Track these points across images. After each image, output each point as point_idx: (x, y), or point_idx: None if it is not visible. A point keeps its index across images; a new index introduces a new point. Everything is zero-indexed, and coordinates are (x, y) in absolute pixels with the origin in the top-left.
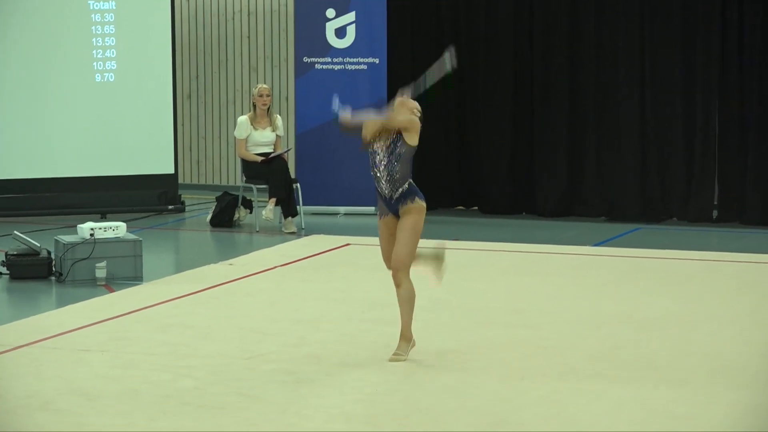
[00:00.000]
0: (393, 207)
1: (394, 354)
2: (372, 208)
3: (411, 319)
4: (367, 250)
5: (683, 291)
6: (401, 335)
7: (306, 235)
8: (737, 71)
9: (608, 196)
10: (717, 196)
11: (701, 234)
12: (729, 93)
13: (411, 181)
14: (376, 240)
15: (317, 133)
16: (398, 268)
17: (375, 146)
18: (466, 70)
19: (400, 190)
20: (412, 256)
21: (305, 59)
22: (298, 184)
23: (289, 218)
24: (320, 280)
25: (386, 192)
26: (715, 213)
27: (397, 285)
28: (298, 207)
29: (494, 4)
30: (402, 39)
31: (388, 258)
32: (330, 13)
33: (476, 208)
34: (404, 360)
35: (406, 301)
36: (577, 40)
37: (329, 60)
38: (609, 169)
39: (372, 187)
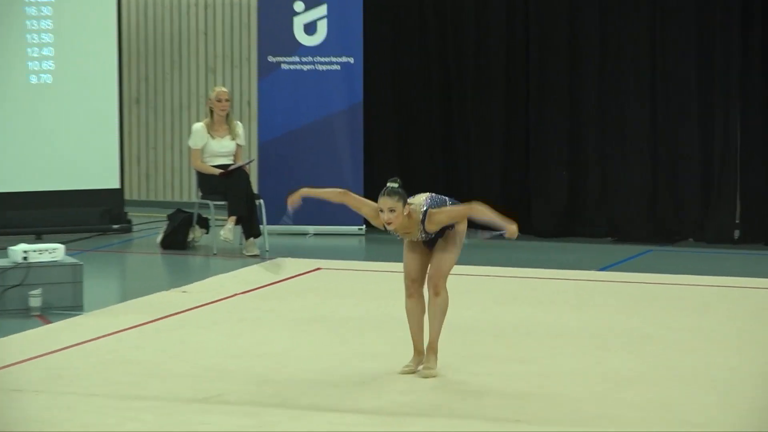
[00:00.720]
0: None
1: (423, 368)
2: (345, 227)
3: (440, 331)
4: (340, 275)
5: (702, 321)
6: (429, 348)
7: (270, 258)
8: (761, 73)
9: (614, 215)
10: (739, 214)
11: (721, 257)
12: (752, 98)
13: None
14: (349, 263)
15: (283, 142)
16: (439, 275)
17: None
18: (454, 75)
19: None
20: (453, 264)
21: (270, 58)
22: (262, 201)
23: (251, 239)
24: (287, 309)
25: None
26: (736, 233)
27: (436, 294)
28: (261, 226)
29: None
30: (380, 35)
31: (408, 266)
32: (298, 6)
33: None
34: (435, 376)
35: (442, 312)
36: (578, 39)
37: (297, 59)
38: (614, 183)
39: (343, 205)
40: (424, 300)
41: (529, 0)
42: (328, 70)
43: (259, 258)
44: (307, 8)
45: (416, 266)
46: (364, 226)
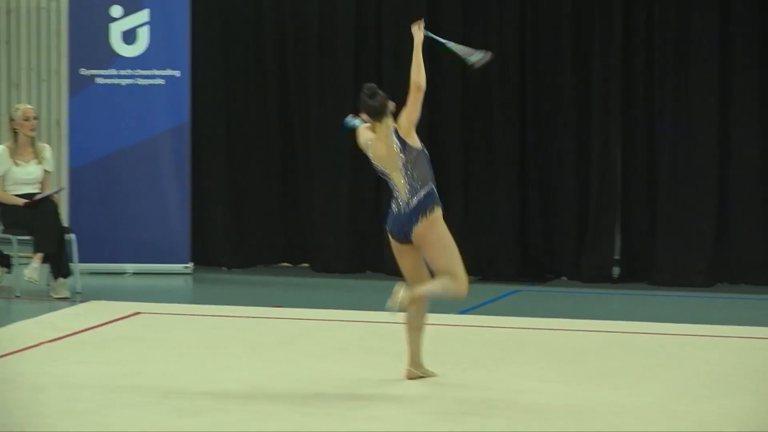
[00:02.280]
0: (407, 225)
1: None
2: (169, 266)
3: (432, 290)
4: (163, 319)
5: (575, 372)
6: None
7: (82, 301)
8: (643, 105)
9: (479, 251)
10: (619, 251)
11: (598, 297)
12: (632, 120)
13: (433, 186)
14: (173, 307)
15: (98, 168)
16: (456, 276)
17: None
18: (294, 87)
19: (422, 192)
20: (458, 260)
21: (82, 71)
22: (72, 235)
23: (60, 279)
24: (102, 360)
25: (404, 199)
26: (616, 271)
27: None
28: (71, 265)
29: (331, 4)
30: (210, 46)
31: (408, 281)
32: (115, 11)
33: (306, 264)
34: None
35: (444, 284)
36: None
37: (114, 72)
38: (479, 215)
39: (167, 239)
40: (423, 317)
41: (382, 3)
42: (150, 85)
43: (69, 301)
44: (126, 13)
45: (410, 272)
46: (191, 264)
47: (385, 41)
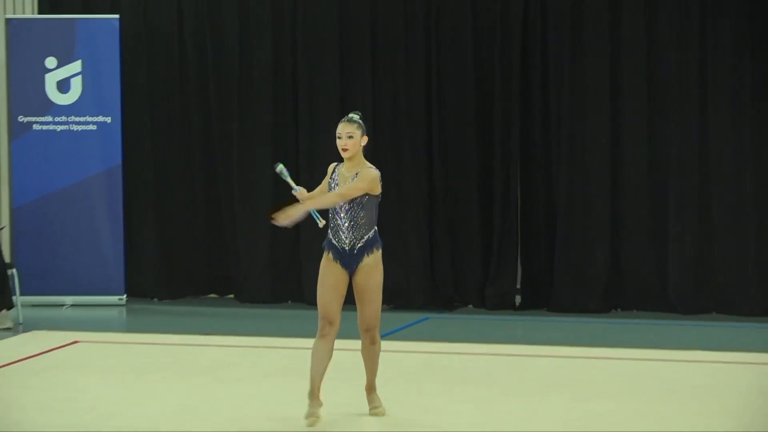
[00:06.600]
0: (351, 260)
1: (373, 408)
2: (104, 297)
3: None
4: (99, 347)
5: (481, 393)
6: (371, 388)
7: (24, 331)
8: (542, 128)
9: (392, 282)
10: (520, 281)
11: (502, 323)
12: (531, 155)
13: (376, 228)
14: (109, 336)
15: (38, 207)
16: (374, 326)
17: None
18: (216, 126)
19: (366, 237)
20: (380, 311)
21: (21, 118)
22: (14, 270)
23: (4, 311)
24: (42, 386)
25: (347, 242)
26: (518, 299)
27: (372, 342)
28: (14, 297)
29: (249, 51)
30: (140, 92)
31: (329, 307)
32: (50, 62)
33: (232, 295)
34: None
35: (377, 356)
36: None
37: (50, 119)
38: (391, 249)
39: (102, 272)
40: (333, 344)
41: (296, 38)
42: (84, 131)
43: (12, 331)
44: (61, 64)
45: (335, 307)
46: (124, 296)
47: (301, 84)
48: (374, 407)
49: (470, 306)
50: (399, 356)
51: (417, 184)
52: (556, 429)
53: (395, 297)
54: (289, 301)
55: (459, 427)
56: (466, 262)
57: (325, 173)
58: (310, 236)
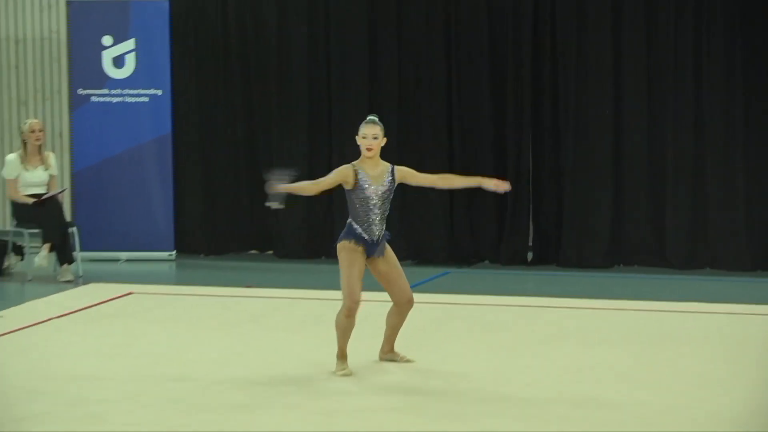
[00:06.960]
0: (374, 248)
1: (400, 359)
2: (155, 253)
3: None
4: (152, 299)
5: (496, 340)
6: (391, 348)
7: (84, 283)
8: (551, 102)
9: (415, 240)
10: (532, 239)
11: (515, 277)
12: (541, 127)
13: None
14: (161, 288)
15: (95, 171)
16: (411, 298)
17: (367, 191)
18: (257, 102)
19: (384, 227)
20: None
21: (80, 91)
22: (75, 228)
23: (65, 265)
24: (100, 333)
25: (377, 233)
26: (530, 255)
27: (411, 304)
28: (74, 253)
29: (287, 33)
30: (188, 68)
31: (357, 290)
32: (107, 40)
33: (271, 252)
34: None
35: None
36: (380, 74)
37: (107, 92)
38: (413, 207)
39: (154, 231)
40: (400, 318)
41: (330, 30)
42: (137, 102)
43: (73, 284)
44: (116, 42)
45: (360, 290)
46: (174, 252)
47: (332, 58)
48: (401, 357)
49: (486, 261)
50: (423, 307)
51: (438, 152)
52: (565, 372)
53: (419, 253)
54: (323, 257)
55: (479, 370)
56: (483, 222)
57: (343, 156)
58: (341, 201)
